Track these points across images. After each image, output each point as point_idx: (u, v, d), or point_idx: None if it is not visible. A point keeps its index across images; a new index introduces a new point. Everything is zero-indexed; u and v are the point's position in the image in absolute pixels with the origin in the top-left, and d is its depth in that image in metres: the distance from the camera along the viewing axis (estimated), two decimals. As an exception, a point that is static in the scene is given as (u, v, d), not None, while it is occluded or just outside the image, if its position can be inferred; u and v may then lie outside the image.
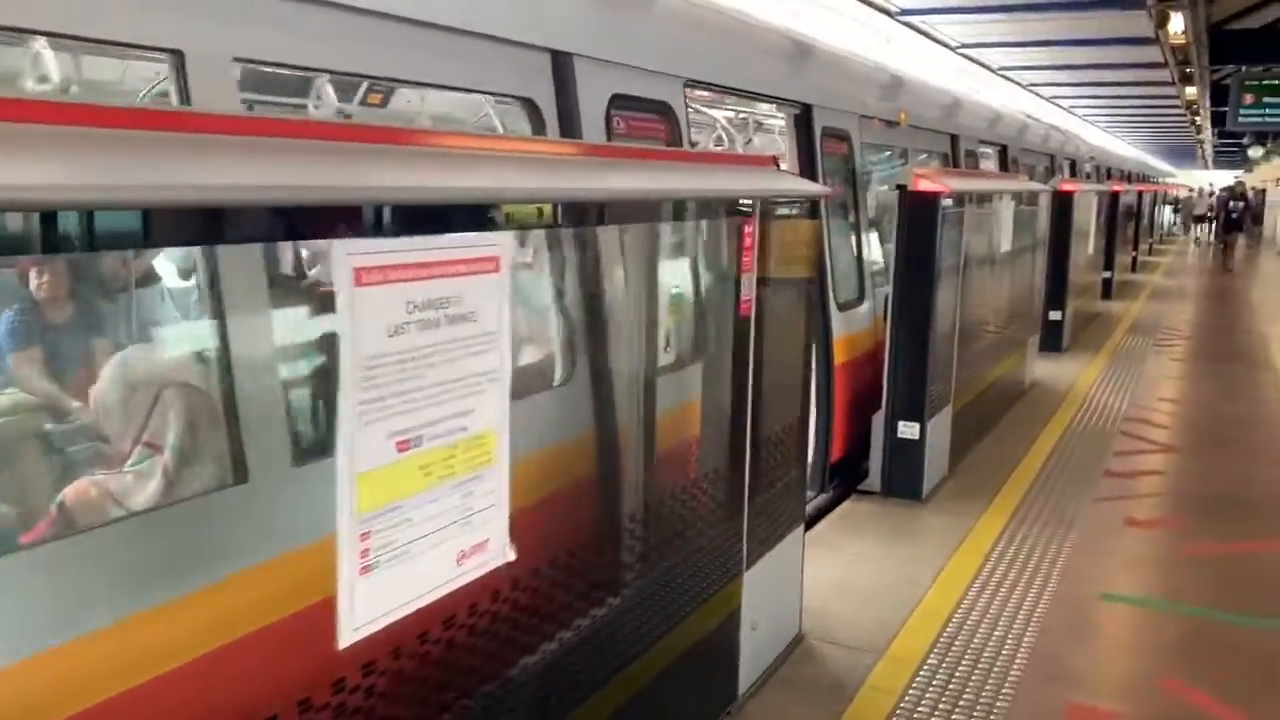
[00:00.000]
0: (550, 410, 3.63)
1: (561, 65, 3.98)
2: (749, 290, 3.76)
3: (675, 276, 3.97)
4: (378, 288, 2.03)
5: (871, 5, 12.17)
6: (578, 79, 4.01)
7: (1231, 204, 28.40)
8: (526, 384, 3.67)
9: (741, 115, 9.38)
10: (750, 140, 10.82)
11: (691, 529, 3.67)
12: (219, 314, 2.61)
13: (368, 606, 2.11)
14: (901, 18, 13.03)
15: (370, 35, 3.23)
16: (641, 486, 3.57)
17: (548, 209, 2.87)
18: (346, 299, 1.97)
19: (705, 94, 6.90)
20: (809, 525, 6.10)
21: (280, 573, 2.50)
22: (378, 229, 2.05)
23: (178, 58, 2.56)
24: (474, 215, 2.35)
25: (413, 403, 2.16)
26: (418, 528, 2.22)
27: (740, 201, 3.74)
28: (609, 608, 3.31)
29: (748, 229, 3.71)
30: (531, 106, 3.87)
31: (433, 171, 2.19)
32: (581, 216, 3.09)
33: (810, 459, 6.64)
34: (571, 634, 3.18)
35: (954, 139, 10.33)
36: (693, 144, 10.71)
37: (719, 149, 7.37)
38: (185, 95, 2.57)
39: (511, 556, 2.50)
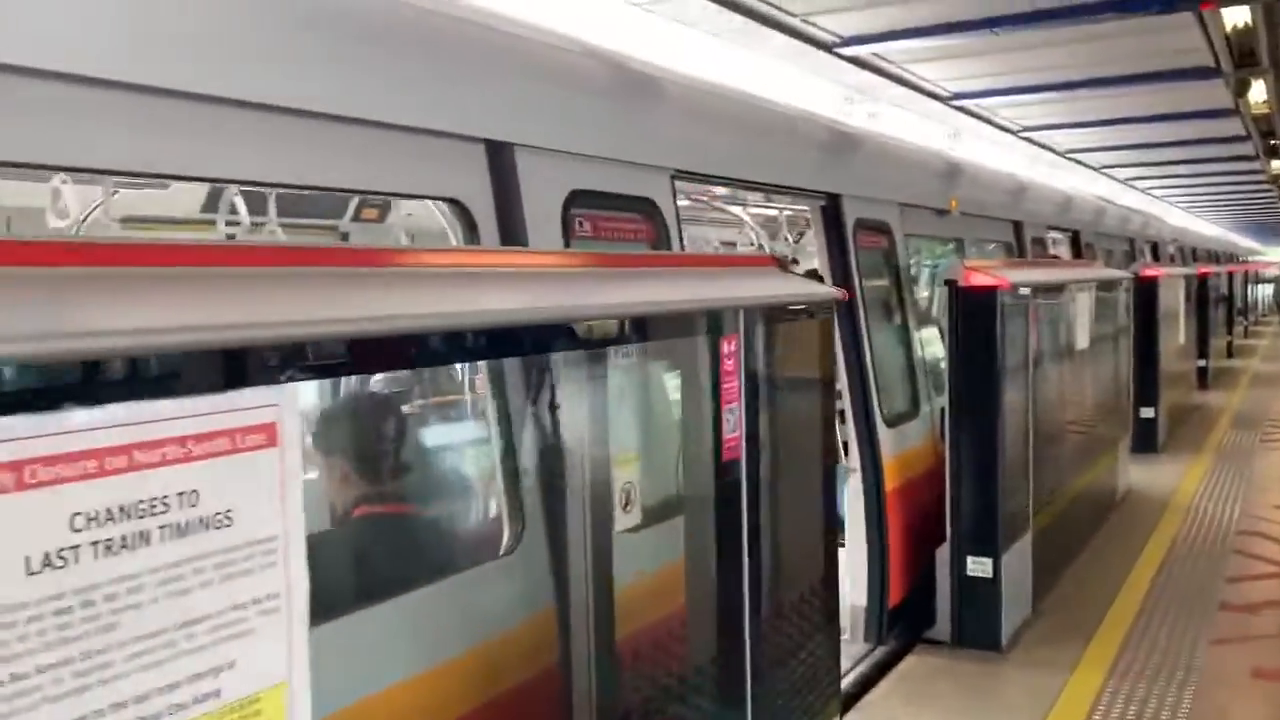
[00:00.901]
0: (446, 611, 2.80)
1: (499, 158, 3.26)
2: (735, 426, 2.92)
3: (640, 412, 3.15)
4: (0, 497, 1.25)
5: (920, 91, 11.49)
6: (520, 174, 3.27)
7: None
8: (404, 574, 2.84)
9: (788, 212, 8.63)
10: (793, 239, 10.07)
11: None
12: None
13: None
14: (954, 102, 12.31)
15: (234, 128, 2.54)
16: (593, 696, 2.70)
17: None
18: (-75, 524, 1.19)
19: (725, 190, 6.19)
20: (864, 690, 5.12)
21: None
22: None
23: None
24: (235, 364, 1.56)
25: (92, 674, 1.35)
26: None
27: (726, 313, 2.94)
28: None
29: (728, 349, 2.89)
30: (459, 208, 3.14)
31: (169, 303, 1.44)
32: (480, 346, 2.30)
33: (866, 604, 5.68)
34: None
35: (1017, 226, 9.43)
36: (729, 245, 10.00)
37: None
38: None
39: None
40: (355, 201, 6.89)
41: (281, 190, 3.75)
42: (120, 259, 1.53)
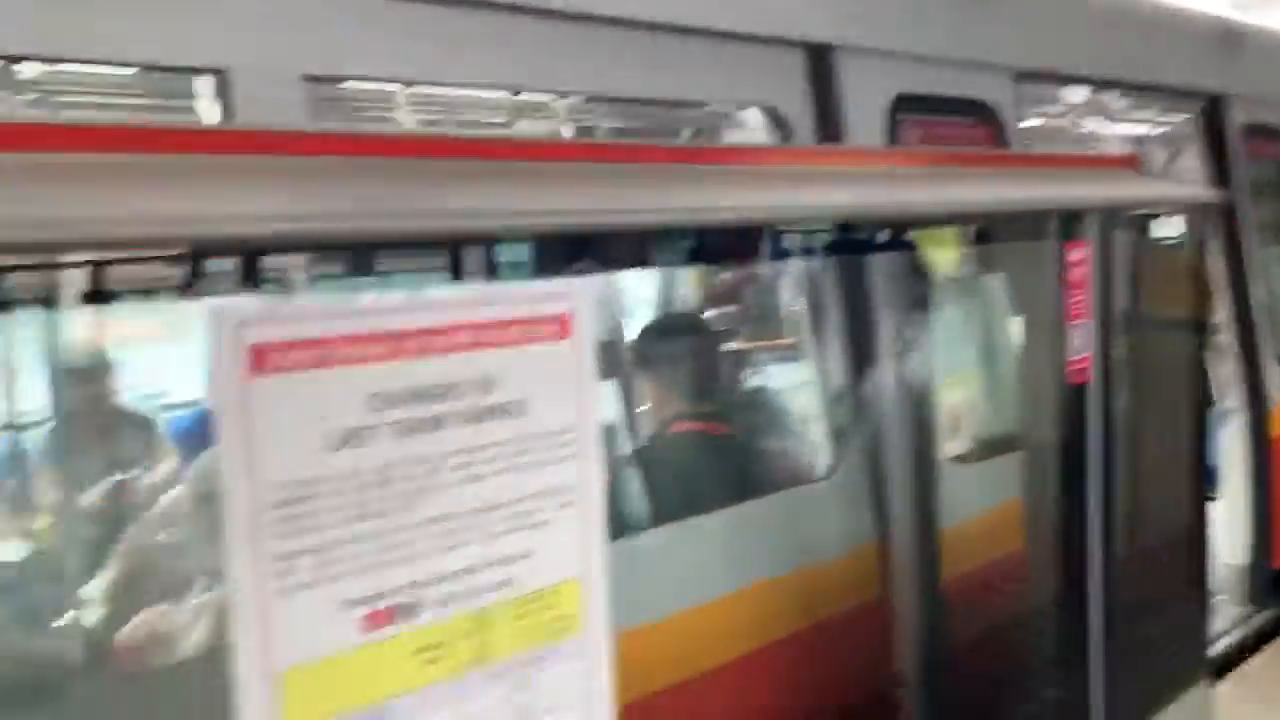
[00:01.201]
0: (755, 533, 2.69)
1: (819, 61, 3.07)
2: (1084, 345, 2.59)
3: (971, 330, 2.88)
4: (303, 374, 1.28)
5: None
6: (842, 77, 3.07)
7: None
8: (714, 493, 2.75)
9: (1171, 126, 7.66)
10: (1166, 159, 8.98)
11: (1005, 705, 2.55)
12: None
13: None
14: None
15: (529, 39, 2.54)
16: (920, 638, 2.52)
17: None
18: (234, 396, 1.23)
19: (1077, 100, 5.57)
20: (1241, 656, 4.54)
21: None
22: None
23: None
24: (540, 251, 1.53)
25: (390, 550, 1.37)
26: (419, 748, 1.41)
27: (1073, 217, 2.61)
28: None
29: (1075, 258, 2.56)
30: (774, 115, 2.99)
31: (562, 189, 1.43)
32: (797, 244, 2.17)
33: (1245, 564, 5.01)
34: None
35: None
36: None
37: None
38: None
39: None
40: (688, 132, 6.93)
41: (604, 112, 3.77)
42: (421, 151, 1.54)
